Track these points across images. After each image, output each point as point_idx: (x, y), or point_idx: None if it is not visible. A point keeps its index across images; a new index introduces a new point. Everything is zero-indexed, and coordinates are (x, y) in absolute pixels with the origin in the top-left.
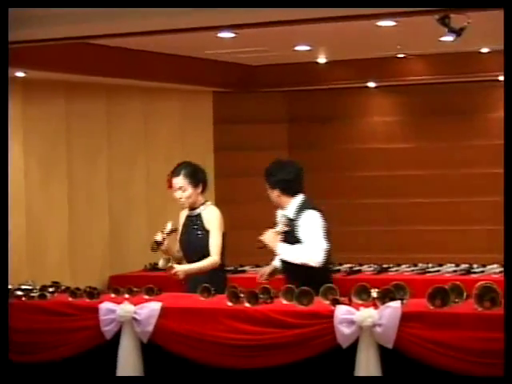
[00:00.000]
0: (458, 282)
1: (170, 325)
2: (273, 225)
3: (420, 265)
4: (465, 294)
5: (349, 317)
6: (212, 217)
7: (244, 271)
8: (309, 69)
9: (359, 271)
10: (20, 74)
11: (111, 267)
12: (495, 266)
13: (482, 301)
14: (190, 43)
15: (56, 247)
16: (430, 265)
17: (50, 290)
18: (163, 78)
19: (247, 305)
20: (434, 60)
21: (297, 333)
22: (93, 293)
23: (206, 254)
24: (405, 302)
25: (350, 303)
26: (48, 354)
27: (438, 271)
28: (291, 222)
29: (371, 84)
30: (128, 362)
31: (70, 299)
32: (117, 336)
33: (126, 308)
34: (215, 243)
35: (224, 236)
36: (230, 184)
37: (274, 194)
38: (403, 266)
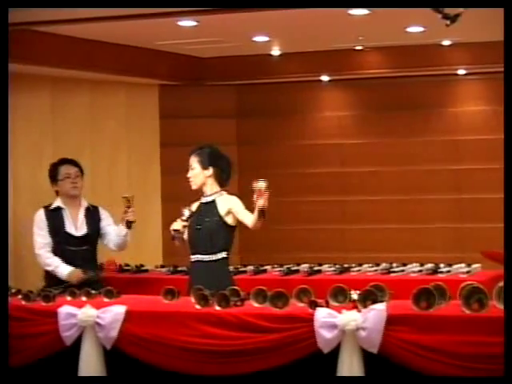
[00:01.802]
0: (440, 283)
1: (135, 330)
2: None
3: (384, 264)
4: (448, 295)
5: (330, 320)
6: (232, 200)
7: None
8: (261, 61)
9: (319, 271)
10: None
11: None
12: (462, 265)
13: (468, 303)
14: (141, 33)
15: None
16: (394, 264)
17: None
18: (108, 69)
19: (217, 308)
20: (392, 53)
21: (274, 338)
22: (48, 296)
23: (215, 243)
24: (385, 303)
25: (327, 306)
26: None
27: (403, 271)
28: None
29: (325, 78)
30: (90, 369)
31: (24, 303)
32: (78, 342)
33: (87, 312)
34: (247, 213)
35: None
36: (177, 181)
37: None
38: (365, 266)
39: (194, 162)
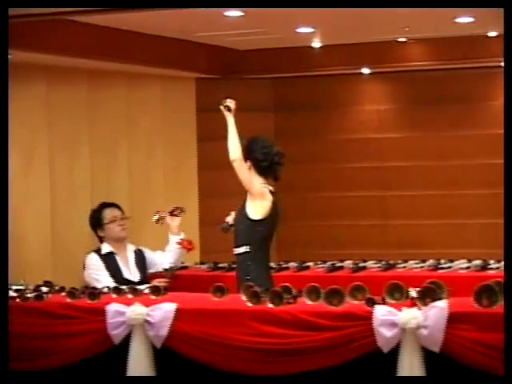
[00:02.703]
0: (499, 280)
1: (186, 328)
2: None
3: (430, 261)
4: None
5: (390, 318)
6: None
7: None
8: (300, 54)
9: (364, 268)
10: None
11: None
12: None
13: None
14: (180, 24)
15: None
16: (442, 261)
17: (44, 290)
18: (145, 61)
19: (270, 305)
20: (436, 44)
21: (331, 336)
22: (94, 293)
23: (238, 236)
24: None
25: (383, 303)
26: (48, 360)
27: (450, 267)
28: None
29: (365, 70)
30: (139, 368)
31: (69, 300)
32: (126, 341)
33: (137, 310)
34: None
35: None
36: (215, 176)
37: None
38: (411, 262)
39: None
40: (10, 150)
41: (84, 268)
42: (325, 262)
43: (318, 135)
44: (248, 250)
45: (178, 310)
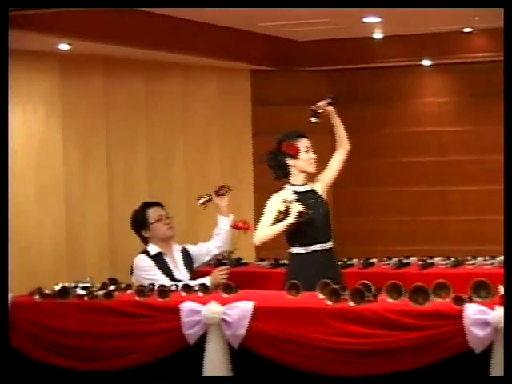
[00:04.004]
0: None
1: (264, 327)
2: None
3: (500, 257)
4: None
5: (482, 317)
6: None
7: None
8: (359, 45)
9: (432, 264)
10: (64, 47)
11: None
12: None
13: None
14: (240, 13)
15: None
16: None
17: (111, 288)
18: (202, 51)
19: (351, 304)
20: (501, 35)
21: (419, 336)
22: (165, 291)
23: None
24: None
25: (470, 301)
26: (118, 361)
27: None
28: None
29: (426, 62)
30: (215, 368)
31: (138, 298)
32: (201, 340)
33: (213, 308)
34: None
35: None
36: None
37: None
38: (480, 259)
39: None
40: (68, 143)
41: (132, 272)
42: (390, 258)
43: (376, 129)
44: (293, 249)
45: (255, 309)
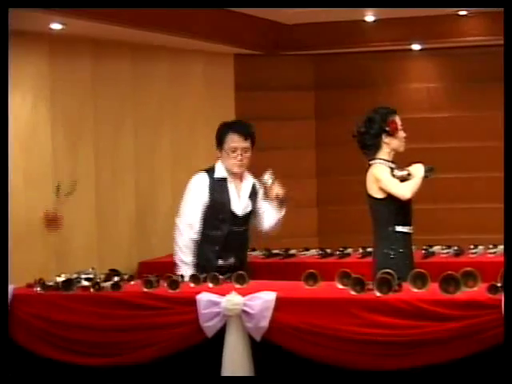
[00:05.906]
0: None
1: (287, 319)
2: None
3: (500, 247)
4: None
5: None
6: None
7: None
8: (345, 29)
9: (433, 253)
10: (57, 27)
11: (139, 252)
12: None
13: None
14: None
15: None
16: None
17: (116, 279)
18: (189, 32)
19: (378, 294)
20: (498, 18)
21: (455, 326)
22: (175, 281)
23: None
24: None
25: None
26: (131, 355)
27: None
28: None
29: (416, 46)
30: (236, 363)
31: (146, 290)
32: (220, 333)
33: (233, 300)
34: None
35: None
36: (253, 158)
37: None
38: (481, 248)
39: None
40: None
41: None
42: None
43: (362, 115)
44: None
45: (277, 299)
